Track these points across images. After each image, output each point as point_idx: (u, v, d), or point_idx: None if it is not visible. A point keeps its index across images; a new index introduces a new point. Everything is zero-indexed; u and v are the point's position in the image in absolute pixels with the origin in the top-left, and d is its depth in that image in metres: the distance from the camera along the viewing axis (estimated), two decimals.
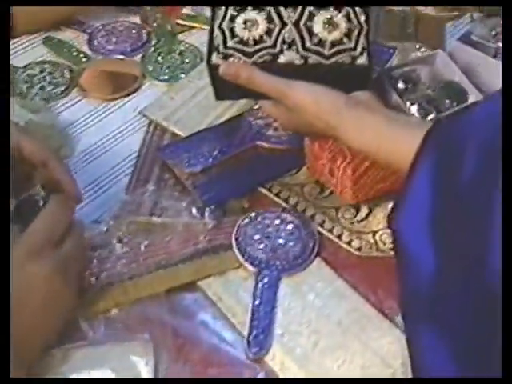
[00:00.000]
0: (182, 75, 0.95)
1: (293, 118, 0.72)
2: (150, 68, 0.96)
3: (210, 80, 0.73)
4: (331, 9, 0.72)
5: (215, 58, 0.71)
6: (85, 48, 1.01)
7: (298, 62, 0.70)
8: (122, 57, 0.98)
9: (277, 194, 0.79)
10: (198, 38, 1.02)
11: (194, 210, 0.75)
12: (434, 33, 1.00)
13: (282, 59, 0.70)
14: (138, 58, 0.99)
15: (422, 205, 0.58)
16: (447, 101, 0.81)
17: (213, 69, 0.71)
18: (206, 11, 1.05)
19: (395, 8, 1.03)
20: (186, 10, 1.06)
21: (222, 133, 0.83)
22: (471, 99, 0.82)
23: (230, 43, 0.71)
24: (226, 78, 0.71)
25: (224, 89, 0.73)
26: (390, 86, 0.81)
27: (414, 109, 0.80)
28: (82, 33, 1.04)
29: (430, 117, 0.79)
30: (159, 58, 0.97)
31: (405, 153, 0.61)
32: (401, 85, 0.82)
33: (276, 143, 0.81)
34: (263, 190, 0.79)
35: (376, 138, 0.66)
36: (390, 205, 0.74)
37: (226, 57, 0.71)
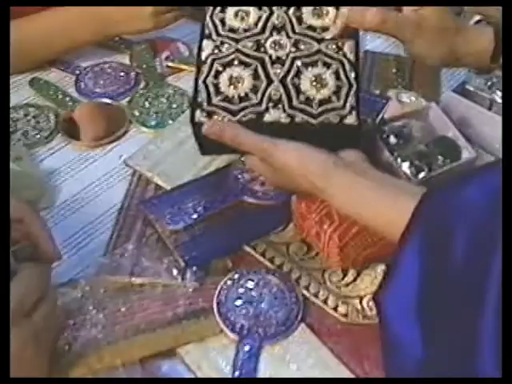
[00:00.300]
0: (170, 121, 0.93)
1: (278, 176, 0.69)
2: (137, 113, 0.94)
3: (194, 136, 0.71)
4: (320, 65, 0.70)
5: (199, 116, 0.69)
6: (71, 90, 0.99)
7: (284, 120, 0.67)
8: (108, 101, 0.96)
9: (262, 254, 0.76)
10: (187, 80, 1.00)
11: (174, 272, 0.72)
12: (430, 80, 0.98)
13: (267, 117, 0.68)
14: (125, 101, 0.97)
15: (410, 285, 0.55)
16: (440, 157, 0.79)
17: (196, 127, 0.69)
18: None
19: (390, 55, 1.01)
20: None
21: (206, 187, 0.81)
22: (464, 155, 0.80)
23: (214, 100, 0.69)
24: (209, 137, 0.68)
25: (208, 145, 0.71)
26: (381, 141, 0.79)
27: (405, 166, 0.78)
28: (69, 74, 1.02)
29: (422, 175, 0.77)
30: (146, 103, 0.95)
31: (394, 222, 0.59)
32: (392, 139, 0.80)
33: (262, 199, 0.79)
34: (248, 249, 0.76)
35: (365, 204, 0.63)
36: (379, 268, 0.72)
37: (209, 114, 0.68)
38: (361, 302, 0.71)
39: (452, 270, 0.53)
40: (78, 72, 1.01)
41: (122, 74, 1.00)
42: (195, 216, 0.77)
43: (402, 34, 0.73)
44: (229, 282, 0.72)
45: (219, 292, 0.71)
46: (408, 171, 0.77)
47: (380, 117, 0.86)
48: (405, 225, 0.57)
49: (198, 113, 0.68)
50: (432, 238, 0.55)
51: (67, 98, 0.96)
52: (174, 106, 0.95)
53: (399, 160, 0.78)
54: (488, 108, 0.87)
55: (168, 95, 0.96)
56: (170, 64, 1.02)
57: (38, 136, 0.91)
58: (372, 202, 0.63)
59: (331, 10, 0.73)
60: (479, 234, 0.52)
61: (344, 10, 0.71)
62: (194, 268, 0.73)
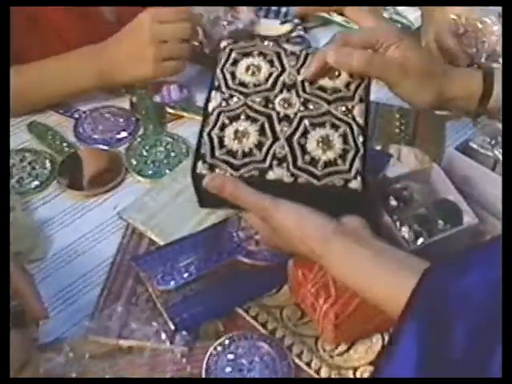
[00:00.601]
0: (167, 171, 0.91)
1: (276, 237, 0.68)
2: (134, 162, 0.92)
3: (194, 188, 0.69)
4: (328, 127, 0.68)
5: (200, 168, 0.67)
6: (70, 135, 0.98)
7: (287, 179, 0.66)
8: (106, 147, 0.95)
9: (254, 317, 0.74)
10: (186, 128, 0.99)
11: (163, 336, 0.70)
12: (433, 135, 0.96)
13: (270, 175, 0.66)
14: (123, 148, 0.95)
15: (407, 367, 0.53)
16: (440, 221, 0.77)
17: (197, 178, 0.67)
18: (198, 101, 1.02)
19: (394, 106, 1.00)
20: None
21: (200, 244, 0.79)
22: (466, 220, 0.78)
23: (217, 153, 0.67)
24: (209, 191, 0.66)
25: (208, 198, 0.69)
26: (382, 204, 0.77)
27: (404, 230, 0.76)
28: (68, 117, 1.00)
29: (420, 240, 0.75)
30: (144, 151, 0.93)
31: (393, 298, 0.58)
32: (393, 202, 0.78)
33: (257, 259, 0.77)
34: (240, 311, 0.74)
35: (363, 276, 0.62)
36: (374, 338, 0.70)
37: (211, 167, 0.67)
38: (354, 374, 0.69)
39: (450, 361, 0.51)
40: (77, 116, 1.00)
41: (122, 119, 0.99)
42: (187, 276, 0.75)
43: (388, 76, 0.73)
44: (219, 348, 0.70)
45: (208, 358, 0.69)
46: (407, 235, 0.75)
47: (381, 175, 0.85)
48: (404, 302, 0.56)
49: (199, 164, 0.67)
50: (432, 321, 0.53)
51: (64, 144, 0.95)
52: (172, 154, 0.93)
53: (398, 224, 0.76)
54: (492, 168, 0.84)
55: (166, 143, 0.95)
56: (170, 110, 1.00)
57: (33, 183, 0.89)
58: (371, 274, 0.62)
59: (343, 72, 0.72)
60: (479, 327, 0.50)
61: (329, 51, 0.70)
62: (184, 332, 0.71)
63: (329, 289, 0.67)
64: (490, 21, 1.02)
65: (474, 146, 0.88)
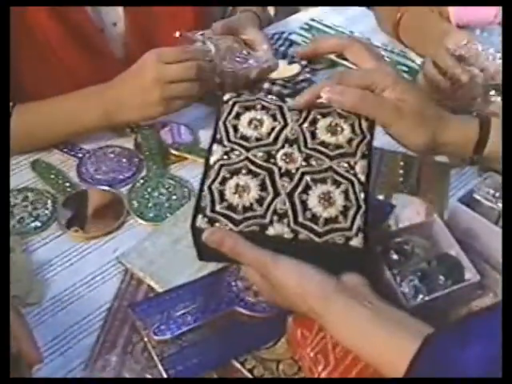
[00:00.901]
0: (168, 214, 0.91)
1: (276, 293, 0.67)
2: (136, 204, 0.92)
3: (193, 241, 0.69)
4: (329, 183, 0.68)
5: (200, 222, 0.67)
6: (73, 174, 0.98)
7: (288, 236, 0.65)
8: (108, 188, 0.94)
9: (250, 370, 0.73)
10: (189, 170, 0.98)
11: None
12: (437, 185, 0.95)
13: (270, 231, 0.65)
14: (125, 189, 0.95)
15: None
16: (441, 277, 0.76)
17: (196, 232, 0.67)
18: (203, 143, 1.02)
19: (398, 153, 0.99)
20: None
21: (198, 292, 0.78)
22: (467, 276, 0.77)
23: (217, 207, 0.67)
24: (209, 245, 0.66)
25: (207, 252, 0.69)
26: (383, 258, 0.76)
27: (404, 285, 0.75)
28: (72, 157, 1.01)
29: (420, 297, 0.74)
30: (146, 194, 0.93)
31: (393, 362, 0.58)
32: (394, 256, 0.77)
33: (255, 311, 0.76)
34: (236, 363, 0.73)
35: (363, 338, 0.62)
36: None
37: (211, 221, 0.66)
38: None
39: None
40: (80, 155, 1.00)
41: (125, 160, 0.99)
42: (184, 326, 0.74)
43: (381, 116, 0.73)
44: None
45: None
46: (407, 291, 0.74)
47: (383, 225, 0.84)
48: (403, 368, 0.56)
49: (199, 218, 0.66)
50: None
51: (67, 184, 0.95)
52: (174, 197, 0.93)
53: (399, 279, 0.75)
54: (495, 222, 0.83)
55: (169, 186, 0.95)
56: (174, 152, 1.00)
57: (34, 224, 0.89)
58: (371, 336, 0.61)
59: (346, 127, 0.72)
60: None
61: (323, 86, 0.71)
62: None
63: (328, 355, 0.66)
64: (491, 53, 1.02)
65: (478, 197, 0.87)
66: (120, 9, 1.08)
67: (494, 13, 1.19)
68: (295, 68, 1.16)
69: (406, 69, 1.20)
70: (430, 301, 0.73)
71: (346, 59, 1.12)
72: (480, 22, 1.08)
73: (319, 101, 0.74)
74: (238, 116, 0.73)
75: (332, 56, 1.20)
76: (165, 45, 1.06)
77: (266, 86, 1.09)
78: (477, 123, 0.79)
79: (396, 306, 0.66)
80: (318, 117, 0.73)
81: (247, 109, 0.74)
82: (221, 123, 0.72)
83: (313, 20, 1.30)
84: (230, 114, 0.73)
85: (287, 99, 0.75)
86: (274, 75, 1.13)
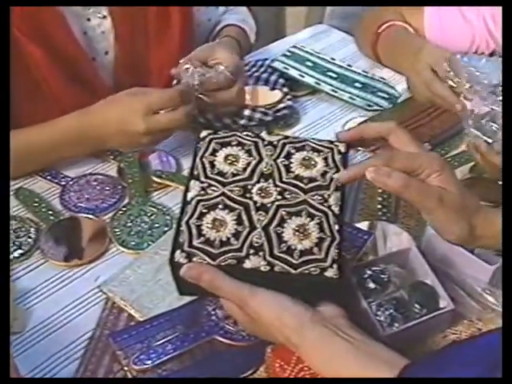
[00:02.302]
0: (150, 242, 0.92)
1: (254, 325, 0.69)
2: (118, 232, 0.93)
3: (172, 275, 0.70)
4: (304, 216, 0.69)
5: (178, 256, 0.68)
6: (56, 202, 0.99)
7: (264, 268, 0.67)
8: (91, 216, 0.96)
9: None
10: (172, 197, 1.00)
11: None
12: (415, 211, 0.97)
13: (247, 264, 0.67)
14: (107, 217, 0.96)
15: None
16: (417, 305, 0.78)
17: (175, 267, 0.68)
18: (186, 169, 1.03)
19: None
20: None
21: (178, 321, 0.79)
22: (442, 305, 0.78)
23: (195, 242, 0.68)
24: (187, 280, 0.67)
25: (186, 286, 0.70)
26: (359, 287, 0.77)
27: (380, 314, 0.76)
28: (55, 184, 1.02)
29: (396, 325, 0.75)
30: (128, 222, 0.94)
31: None
32: (370, 285, 0.79)
33: (234, 340, 0.77)
34: None
35: (339, 368, 0.63)
36: None
37: (189, 256, 0.68)
38: None
39: None
40: (63, 183, 1.01)
41: (108, 188, 1.00)
42: (164, 355, 0.76)
43: (424, 203, 0.71)
44: None
45: None
46: (383, 319, 0.76)
47: (360, 254, 0.86)
48: None
49: (177, 253, 0.68)
50: None
51: (50, 212, 0.96)
52: (156, 225, 0.94)
53: (374, 308, 0.76)
54: (471, 250, 0.85)
55: (151, 213, 0.96)
56: (157, 179, 1.01)
57: (17, 252, 0.90)
58: (346, 367, 0.62)
59: (320, 161, 0.73)
60: None
61: (369, 166, 0.69)
62: None
63: None
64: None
65: None
66: (111, 37, 1.10)
67: (468, 41, 1.21)
68: (277, 95, 1.18)
69: (387, 96, 1.23)
70: (406, 329, 0.75)
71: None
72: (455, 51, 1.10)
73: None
74: (214, 152, 0.75)
75: (312, 83, 1.22)
76: (153, 72, 1.10)
77: (247, 113, 1.11)
78: None
79: (372, 334, 0.67)
80: (292, 151, 0.75)
81: (223, 145, 0.75)
82: (198, 160, 0.74)
83: (294, 47, 1.32)
84: (206, 150, 0.75)
85: (262, 134, 0.76)
86: (255, 102, 1.15)
